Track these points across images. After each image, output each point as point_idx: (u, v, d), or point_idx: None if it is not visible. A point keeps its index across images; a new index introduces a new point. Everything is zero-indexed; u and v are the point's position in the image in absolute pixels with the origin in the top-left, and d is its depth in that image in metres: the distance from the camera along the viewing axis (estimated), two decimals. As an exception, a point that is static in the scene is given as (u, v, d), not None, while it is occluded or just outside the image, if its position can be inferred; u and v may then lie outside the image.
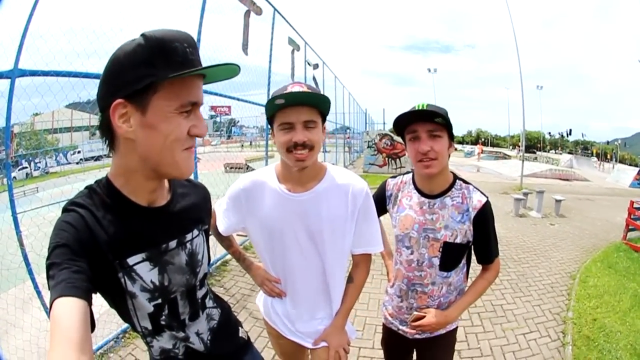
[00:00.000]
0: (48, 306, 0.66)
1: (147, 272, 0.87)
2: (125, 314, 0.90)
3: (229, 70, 0.84)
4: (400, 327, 1.60)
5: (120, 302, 0.87)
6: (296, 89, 1.19)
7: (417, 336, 1.55)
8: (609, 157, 45.37)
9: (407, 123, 1.40)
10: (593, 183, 18.01)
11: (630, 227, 6.54)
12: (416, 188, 1.52)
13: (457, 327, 1.62)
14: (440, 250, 1.44)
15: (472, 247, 1.49)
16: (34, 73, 2.29)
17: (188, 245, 0.97)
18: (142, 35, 0.75)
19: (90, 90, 2.70)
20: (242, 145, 21.17)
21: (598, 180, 19.89)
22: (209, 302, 1.12)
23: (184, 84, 0.77)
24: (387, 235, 1.74)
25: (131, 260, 0.84)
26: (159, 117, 0.76)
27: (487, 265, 1.53)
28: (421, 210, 1.47)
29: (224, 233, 1.45)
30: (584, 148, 66.41)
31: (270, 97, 1.22)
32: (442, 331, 1.53)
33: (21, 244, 2.37)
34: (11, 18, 2.27)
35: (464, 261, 1.52)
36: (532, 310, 3.80)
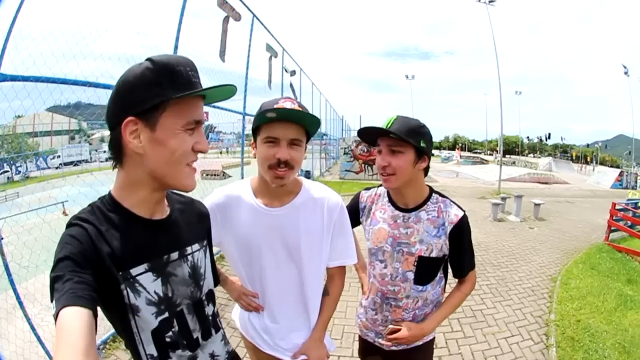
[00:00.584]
0: (53, 318, 0.67)
1: (151, 283, 0.88)
2: (130, 339, 0.90)
3: (227, 91, 0.92)
4: (376, 339, 1.60)
5: (124, 321, 0.87)
6: (288, 104, 1.18)
7: (393, 348, 1.55)
8: (589, 159, 46.37)
9: (375, 136, 1.43)
10: (573, 185, 18.44)
11: (612, 228, 6.68)
12: (391, 201, 1.52)
13: (434, 338, 1.62)
14: (415, 264, 1.43)
15: (448, 260, 1.49)
16: (14, 78, 2.27)
17: (189, 257, 1.00)
18: (149, 59, 0.82)
19: (67, 96, 2.70)
20: (221, 152, 20.93)
21: (578, 182, 20.38)
22: (222, 324, 1.12)
23: (188, 103, 0.84)
24: (360, 248, 1.75)
25: (134, 271, 0.86)
26: (167, 133, 0.83)
27: (462, 279, 1.53)
28: (395, 224, 1.47)
29: None
30: (563, 151, 67.72)
31: (260, 108, 1.22)
32: (419, 342, 1.52)
33: (2, 253, 2.30)
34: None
35: (440, 274, 1.52)
36: (513, 314, 3.84)
